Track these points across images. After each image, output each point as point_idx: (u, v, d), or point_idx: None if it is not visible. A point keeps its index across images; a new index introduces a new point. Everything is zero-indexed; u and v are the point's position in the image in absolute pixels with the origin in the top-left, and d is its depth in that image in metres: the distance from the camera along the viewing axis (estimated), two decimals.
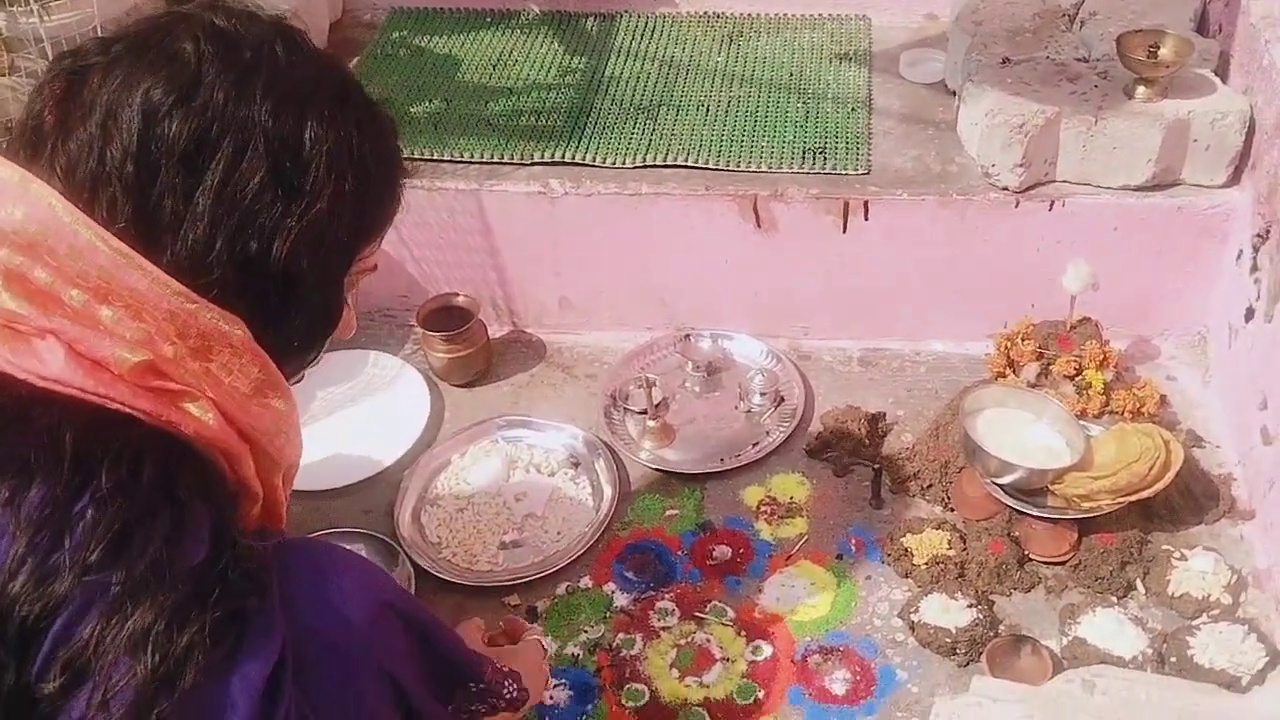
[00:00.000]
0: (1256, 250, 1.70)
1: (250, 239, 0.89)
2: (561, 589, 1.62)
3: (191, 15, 0.93)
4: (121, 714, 0.78)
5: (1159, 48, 1.77)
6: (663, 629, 1.56)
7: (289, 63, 0.93)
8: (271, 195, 0.89)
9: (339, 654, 0.98)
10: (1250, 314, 1.72)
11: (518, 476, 1.79)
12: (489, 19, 2.33)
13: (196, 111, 0.87)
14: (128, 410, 0.84)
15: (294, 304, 0.94)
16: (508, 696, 1.20)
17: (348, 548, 1.25)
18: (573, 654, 1.54)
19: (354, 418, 1.89)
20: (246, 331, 0.91)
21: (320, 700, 0.94)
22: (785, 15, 2.29)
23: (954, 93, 2.00)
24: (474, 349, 1.93)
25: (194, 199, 0.87)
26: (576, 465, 1.80)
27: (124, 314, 0.85)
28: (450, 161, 1.92)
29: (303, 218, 0.90)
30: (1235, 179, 1.78)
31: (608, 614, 1.59)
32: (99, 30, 1.81)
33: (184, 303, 0.87)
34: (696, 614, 1.58)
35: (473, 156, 1.94)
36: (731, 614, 1.57)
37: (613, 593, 1.62)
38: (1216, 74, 1.81)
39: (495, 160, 1.94)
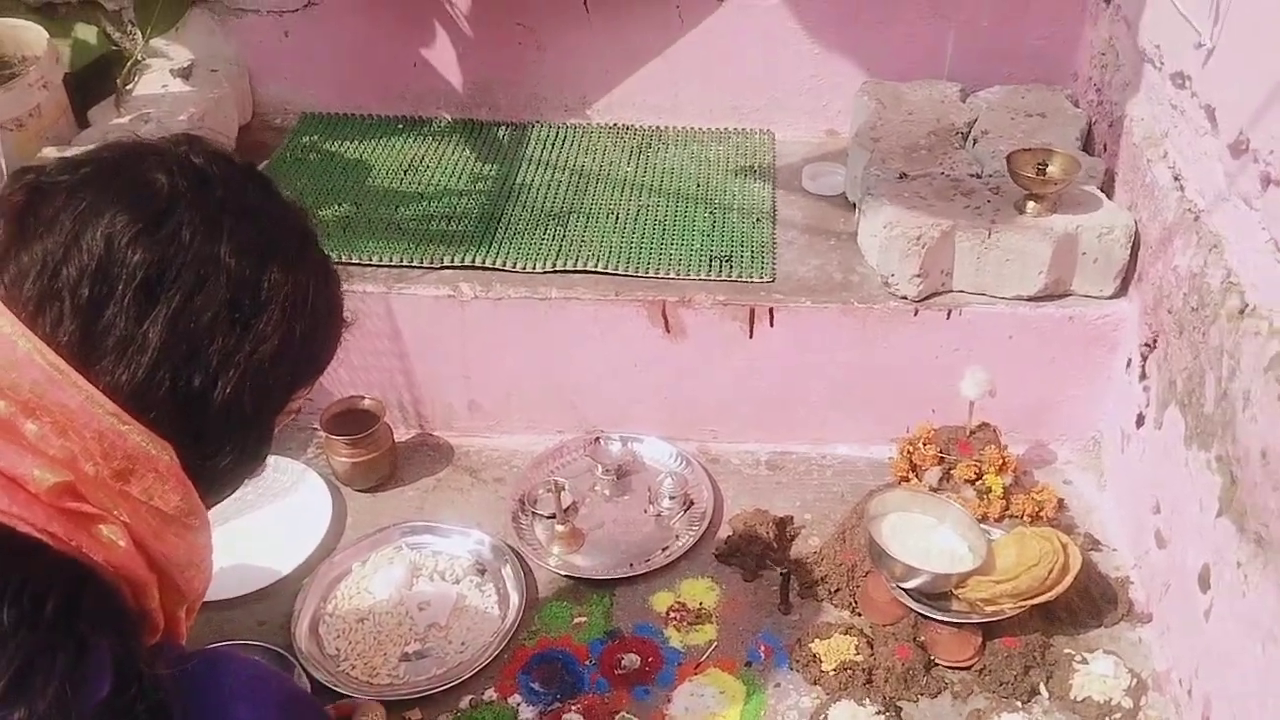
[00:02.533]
0: (1145, 359, 1.77)
1: (195, 371, 0.89)
2: (465, 702, 1.58)
3: (166, 149, 0.95)
4: None
5: (1048, 165, 1.85)
6: None
7: (259, 208, 0.95)
8: (224, 331, 0.90)
9: None
10: (1140, 420, 1.77)
11: (421, 585, 1.75)
12: (400, 125, 2.35)
13: (162, 242, 0.88)
14: (39, 535, 0.81)
15: (227, 438, 0.94)
16: None
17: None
18: None
19: (251, 524, 1.83)
20: (174, 458, 0.89)
21: None
22: (692, 129, 2.35)
23: (854, 205, 2.06)
24: (379, 453, 1.90)
25: (144, 326, 0.87)
26: (482, 572, 1.77)
27: (50, 430, 0.83)
28: (360, 265, 1.92)
29: (251, 356, 0.91)
30: (1123, 290, 1.86)
31: None
32: None
33: (116, 423, 0.85)
34: None
35: (382, 260, 1.93)
36: None
37: (518, 705, 1.58)
38: (1103, 190, 1.90)
39: (405, 264, 1.93)
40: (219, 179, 0.94)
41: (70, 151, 1.99)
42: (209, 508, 0.96)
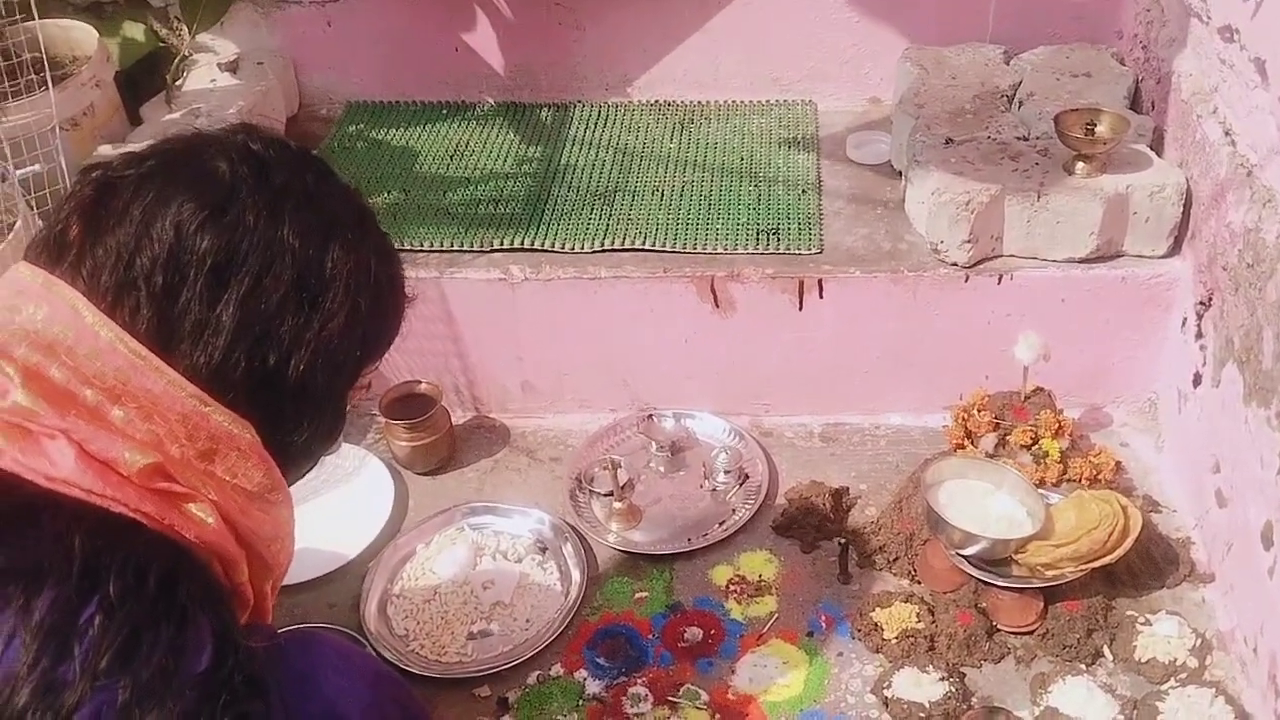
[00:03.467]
0: (1200, 317, 1.75)
1: (269, 350, 0.92)
2: (532, 678, 1.61)
3: (226, 138, 0.98)
4: None
5: (1095, 125, 1.83)
6: (636, 715, 1.55)
7: (317, 190, 0.99)
8: (293, 310, 0.93)
9: None
10: (1198, 379, 1.76)
11: (485, 564, 1.78)
12: (445, 111, 2.37)
13: (228, 228, 0.91)
14: (133, 514, 0.84)
15: (303, 414, 0.97)
16: None
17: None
18: None
19: (317, 510, 1.87)
20: (255, 436, 0.93)
21: None
22: (734, 102, 2.35)
23: (900, 173, 2.05)
24: (437, 436, 1.93)
25: (217, 310, 0.90)
26: (544, 550, 1.80)
27: (135, 415, 0.87)
28: (411, 250, 1.94)
29: (320, 333, 0.95)
30: (1176, 249, 1.84)
31: (580, 702, 1.57)
32: (56, 130, 1.82)
33: (198, 405, 0.89)
34: (670, 698, 1.57)
35: (433, 245, 1.96)
36: (705, 697, 1.57)
37: (584, 680, 1.60)
38: (1152, 149, 1.88)
39: (455, 248, 1.96)
40: (278, 164, 0.97)
41: (125, 149, 2.02)
42: (290, 483, 1.00)
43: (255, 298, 0.91)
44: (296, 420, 0.98)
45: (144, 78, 2.25)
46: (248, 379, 0.92)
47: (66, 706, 0.77)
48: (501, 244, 1.96)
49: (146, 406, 0.87)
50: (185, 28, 2.21)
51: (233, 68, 2.26)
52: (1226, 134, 1.69)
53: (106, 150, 2.02)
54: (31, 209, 1.76)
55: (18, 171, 1.76)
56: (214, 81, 2.25)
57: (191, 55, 2.28)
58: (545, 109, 2.35)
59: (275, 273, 0.92)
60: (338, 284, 0.96)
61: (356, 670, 1.02)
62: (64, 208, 0.94)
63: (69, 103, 1.99)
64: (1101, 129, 1.83)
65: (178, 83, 2.23)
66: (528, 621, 1.69)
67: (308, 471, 1.05)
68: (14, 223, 1.72)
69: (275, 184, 0.95)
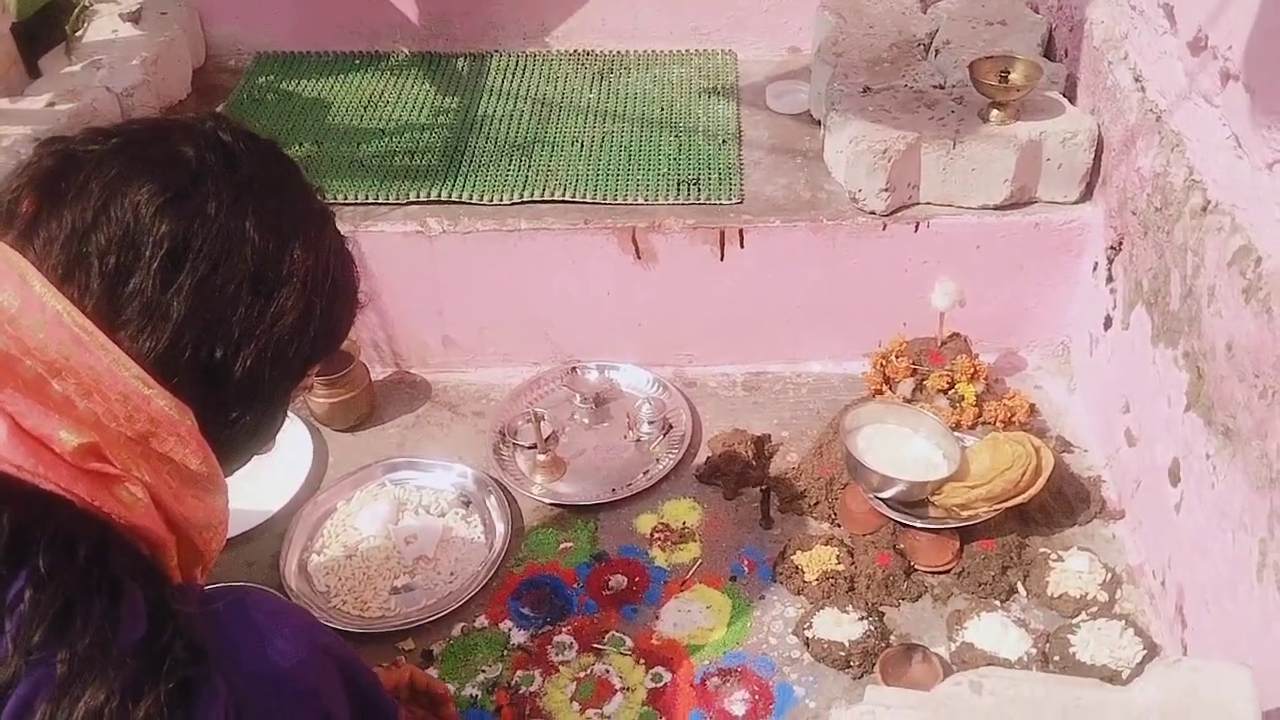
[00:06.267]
0: (1111, 262, 1.79)
1: (218, 341, 0.91)
2: (457, 630, 1.61)
3: (194, 124, 0.96)
4: None
5: (1009, 73, 1.85)
6: (561, 663, 1.55)
7: (281, 184, 0.98)
8: (247, 303, 0.92)
9: (282, 700, 0.96)
10: (1109, 322, 1.80)
11: (407, 519, 1.76)
12: (358, 61, 2.32)
13: (189, 214, 0.89)
14: (63, 493, 0.82)
15: (246, 407, 0.96)
16: None
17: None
18: (471, 695, 1.52)
19: None
20: (195, 422, 0.90)
21: None
22: (653, 52, 2.33)
23: (819, 122, 2.06)
24: (356, 392, 1.91)
25: (169, 295, 0.88)
26: (467, 504, 1.79)
27: (74, 391, 0.84)
28: (319, 195, 1.90)
29: (271, 329, 0.93)
30: (1088, 195, 1.87)
31: (505, 652, 1.57)
32: None
33: (141, 387, 0.86)
34: (595, 646, 1.57)
35: (347, 198, 1.92)
36: (630, 643, 1.58)
37: (509, 630, 1.60)
38: (1065, 96, 1.90)
39: (370, 201, 1.92)
40: (245, 155, 0.96)
41: (23, 102, 1.95)
42: (226, 475, 0.98)
43: (209, 287, 0.89)
44: (238, 412, 0.96)
45: (43, 29, 2.15)
46: (193, 367, 0.90)
47: (1, 683, 0.76)
48: (418, 196, 1.93)
49: (87, 383, 0.85)
50: None
51: (135, 18, 2.19)
52: (1136, 80, 1.72)
53: (3, 104, 1.94)
54: None
55: None
56: (115, 32, 2.17)
57: (92, 5, 2.20)
58: (461, 59, 2.32)
59: (232, 264, 0.91)
60: (294, 281, 0.95)
61: (293, 628, 1.01)
62: (17, 177, 0.91)
63: None
64: (1015, 76, 1.84)
65: (78, 34, 2.14)
66: (452, 575, 1.68)
67: (243, 464, 1.04)
68: None
69: (241, 175, 0.94)
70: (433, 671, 1.54)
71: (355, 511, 1.77)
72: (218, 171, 0.92)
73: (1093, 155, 1.82)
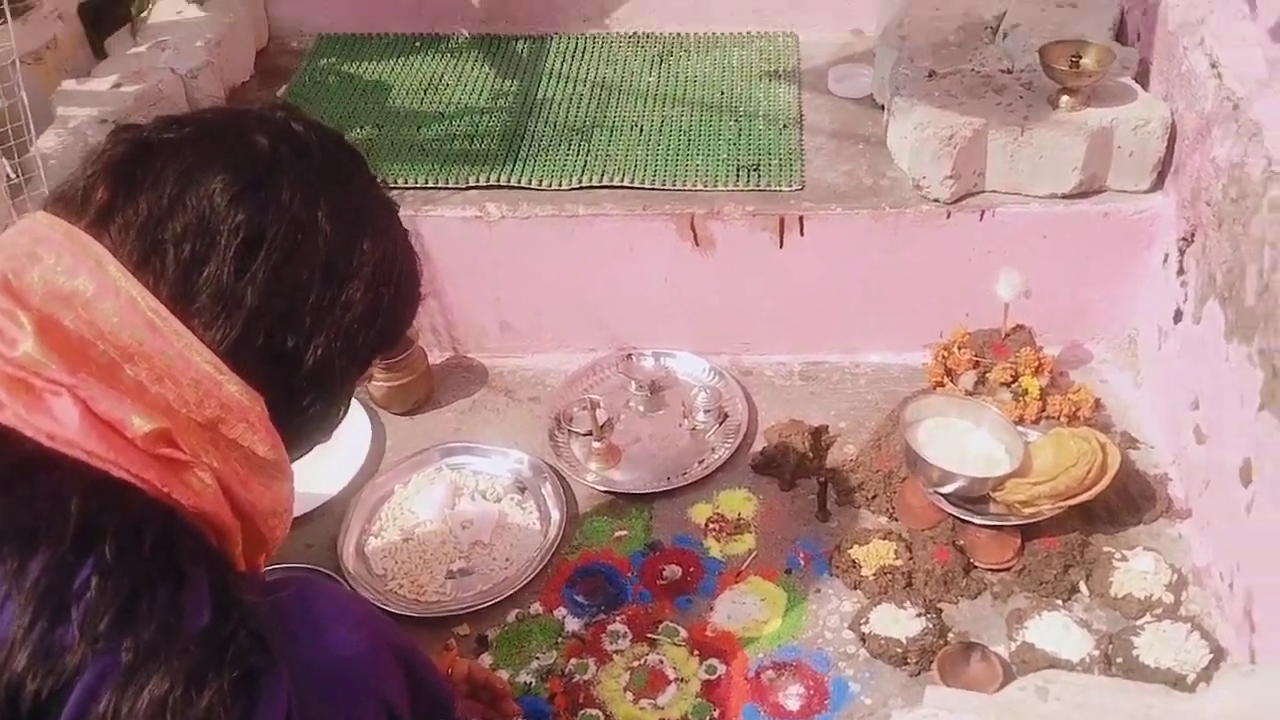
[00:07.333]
0: (1182, 253, 1.74)
1: (289, 329, 0.92)
2: (511, 616, 1.61)
3: (266, 115, 0.97)
4: None
5: (1081, 57, 1.80)
6: (615, 652, 1.55)
7: (351, 176, 0.99)
8: (318, 294, 0.93)
9: (342, 690, 0.97)
10: (1179, 316, 1.75)
11: (463, 504, 1.77)
12: (418, 44, 2.32)
13: (264, 203, 0.90)
14: (133, 480, 0.83)
15: (314, 396, 0.97)
16: None
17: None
18: (525, 682, 1.52)
19: None
20: (264, 409, 0.91)
21: None
22: (714, 34, 2.30)
23: (882, 107, 2.02)
24: (414, 376, 1.91)
25: (243, 283, 0.89)
26: (523, 490, 1.79)
27: (146, 376, 0.85)
28: (384, 187, 1.90)
29: (342, 319, 0.94)
30: (1159, 184, 1.82)
31: (559, 640, 1.58)
32: (17, 64, 1.77)
33: (213, 372, 0.87)
34: (649, 635, 1.57)
35: (407, 182, 1.93)
36: (684, 634, 1.57)
37: (563, 618, 1.61)
38: (1137, 81, 1.85)
39: (430, 185, 1.92)
40: (317, 146, 0.96)
41: (90, 84, 1.98)
42: (291, 461, 0.99)
43: (282, 276, 0.90)
44: (306, 401, 0.97)
45: (108, 10, 2.19)
46: (264, 355, 0.91)
47: (68, 670, 0.77)
48: (477, 181, 1.93)
49: (159, 369, 0.86)
50: None
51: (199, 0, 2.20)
52: (1213, 66, 1.67)
53: (70, 85, 1.97)
54: None
55: None
56: (180, 13, 2.19)
57: None
58: (521, 41, 2.31)
59: (305, 253, 0.91)
60: (364, 272, 0.95)
61: (354, 617, 1.02)
62: (91, 165, 0.92)
63: (30, 36, 1.94)
64: (1087, 61, 1.80)
65: (143, 15, 2.17)
66: (507, 560, 1.68)
67: (307, 451, 1.05)
68: None
69: (313, 166, 0.94)
70: (487, 657, 1.55)
71: (412, 495, 1.78)
72: (291, 162, 0.93)
73: (1165, 143, 1.77)
